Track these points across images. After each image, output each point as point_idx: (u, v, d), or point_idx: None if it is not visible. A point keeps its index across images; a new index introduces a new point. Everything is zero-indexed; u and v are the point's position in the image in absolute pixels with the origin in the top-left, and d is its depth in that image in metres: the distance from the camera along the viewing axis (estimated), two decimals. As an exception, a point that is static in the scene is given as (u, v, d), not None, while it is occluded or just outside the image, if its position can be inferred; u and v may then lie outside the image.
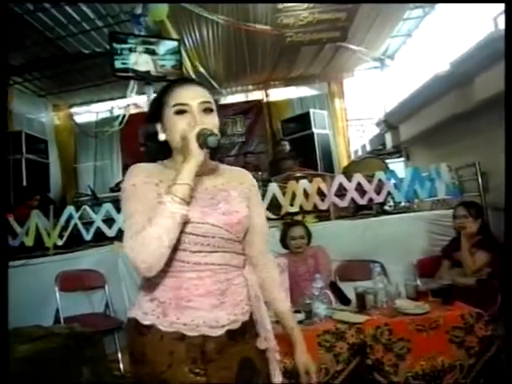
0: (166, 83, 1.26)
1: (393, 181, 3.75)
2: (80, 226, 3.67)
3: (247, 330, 1.20)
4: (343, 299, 2.47)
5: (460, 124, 4.08)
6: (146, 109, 5.70)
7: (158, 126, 1.21)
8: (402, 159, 5.92)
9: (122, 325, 3.11)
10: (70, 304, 3.32)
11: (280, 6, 5.04)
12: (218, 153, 1.23)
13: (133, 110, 6.55)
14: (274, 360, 1.24)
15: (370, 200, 3.73)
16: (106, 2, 4.99)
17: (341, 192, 3.74)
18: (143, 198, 1.11)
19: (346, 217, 3.92)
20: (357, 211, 4.04)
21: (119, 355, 3.16)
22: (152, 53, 5.14)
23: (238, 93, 7.68)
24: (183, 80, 1.27)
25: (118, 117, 6.35)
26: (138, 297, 1.19)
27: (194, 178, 1.09)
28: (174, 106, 1.16)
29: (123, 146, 7.27)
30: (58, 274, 3.29)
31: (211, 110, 1.19)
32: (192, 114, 1.15)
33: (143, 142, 1.27)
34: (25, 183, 5.55)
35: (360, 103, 7.76)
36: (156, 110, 1.21)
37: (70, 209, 3.70)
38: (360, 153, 7.42)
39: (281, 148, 5.77)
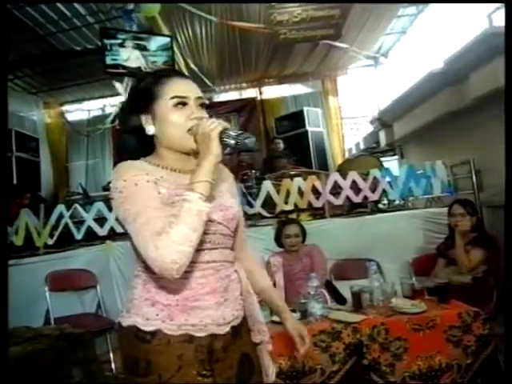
0: (153, 75, 1.21)
1: (388, 179, 3.73)
2: (71, 225, 3.62)
3: (244, 325, 1.21)
4: (339, 298, 2.45)
5: (454, 122, 4.07)
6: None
7: (145, 119, 1.15)
8: (396, 157, 5.92)
9: (114, 326, 3.07)
10: (61, 304, 3.28)
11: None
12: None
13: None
14: (267, 352, 1.26)
15: (365, 198, 3.71)
16: (101, 1, 4.94)
17: (336, 190, 3.72)
18: (149, 197, 1.05)
19: (340, 215, 3.91)
20: (351, 209, 4.02)
21: (111, 355, 3.12)
22: (143, 49, 5.08)
23: (232, 90, 7.65)
24: (179, 73, 1.23)
25: (109, 115, 6.28)
26: (133, 302, 1.12)
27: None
28: (173, 98, 1.12)
29: (115, 144, 7.20)
30: (48, 273, 3.25)
31: (203, 106, 1.16)
32: (191, 108, 1.12)
33: (123, 136, 1.21)
34: (15, 181, 5.48)
35: (354, 101, 7.75)
36: (145, 102, 1.15)
37: (61, 207, 3.64)
38: (354, 151, 7.41)
39: (274, 146, 5.77)
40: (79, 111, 7.82)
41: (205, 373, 1.08)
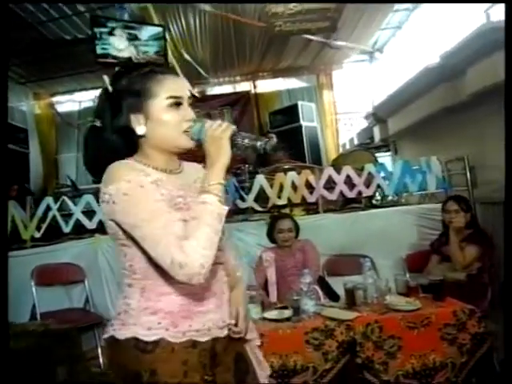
0: (143, 70, 1.12)
1: (382, 174, 3.70)
2: (59, 218, 3.54)
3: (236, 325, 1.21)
4: (332, 295, 2.41)
5: (449, 118, 4.04)
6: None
7: (135, 118, 1.09)
8: (390, 153, 5.89)
9: (103, 321, 3.01)
10: (48, 299, 3.22)
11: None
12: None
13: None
14: (256, 348, 1.27)
15: (359, 193, 3.67)
16: (98, 2, 4.85)
17: (329, 185, 3.67)
18: (156, 199, 1.02)
19: (334, 210, 3.86)
20: (345, 204, 3.98)
21: (99, 351, 3.06)
22: (134, 38, 4.97)
23: (226, 84, 7.54)
24: (172, 70, 1.21)
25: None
26: (129, 313, 1.06)
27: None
28: (169, 98, 1.08)
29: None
30: (35, 267, 3.18)
31: (193, 103, 1.14)
32: (185, 108, 1.10)
33: (103, 135, 1.13)
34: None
35: (349, 96, 7.70)
36: (137, 100, 1.08)
37: (48, 200, 3.56)
38: (348, 146, 7.37)
39: (268, 140, 5.69)
40: (70, 102, 7.66)
41: (206, 378, 1.09)
